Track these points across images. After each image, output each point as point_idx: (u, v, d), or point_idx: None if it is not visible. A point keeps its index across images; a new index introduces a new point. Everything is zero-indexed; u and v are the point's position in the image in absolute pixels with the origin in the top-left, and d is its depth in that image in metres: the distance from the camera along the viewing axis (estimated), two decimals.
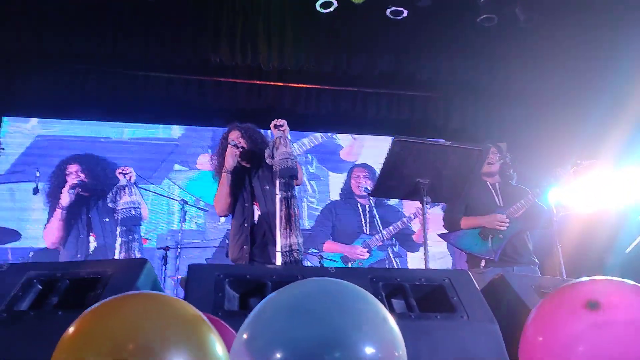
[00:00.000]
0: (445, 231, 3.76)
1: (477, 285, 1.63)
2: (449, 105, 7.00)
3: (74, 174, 5.13)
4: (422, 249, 5.81)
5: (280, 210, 3.16)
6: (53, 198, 5.00)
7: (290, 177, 3.28)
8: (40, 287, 1.60)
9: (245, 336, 0.94)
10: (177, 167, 6.31)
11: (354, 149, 6.83)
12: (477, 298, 1.57)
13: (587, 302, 1.04)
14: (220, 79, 6.53)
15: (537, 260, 3.71)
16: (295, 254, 3.12)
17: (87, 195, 5.11)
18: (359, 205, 6.11)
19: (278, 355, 0.90)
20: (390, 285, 1.61)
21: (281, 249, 3.14)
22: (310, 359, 0.89)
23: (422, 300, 1.55)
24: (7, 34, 5.64)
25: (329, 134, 6.82)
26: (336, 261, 5.49)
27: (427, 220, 2.86)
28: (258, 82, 6.61)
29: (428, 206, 2.93)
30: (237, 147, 3.27)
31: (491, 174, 3.85)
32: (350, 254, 5.75)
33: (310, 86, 6.75)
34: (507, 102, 6.92)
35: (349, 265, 5.49)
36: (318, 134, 6.67)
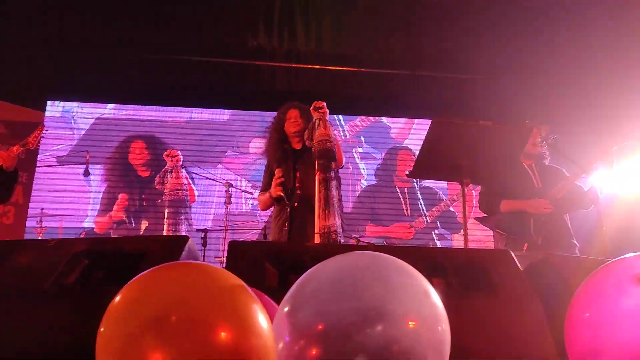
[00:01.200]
0: (482, 215, 3.68)
1: (519, 264, 1.59)
2: (491, 88, 6.83)
3: (138, 152, 5.25)
4: (469, 235, 5.77)
5: (319, 191, 3.16)
6: (111, 177, 5.15)
7: (328, 159, 3.27)
8: (86, 262, 1.65)
9: (287, 309, 0.95)
10: (229, 152, 6.39)
11: (401, 132, 6.76)
12: (520, 277, 1.53)
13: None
14: (259, 62, 6.55)
15: (577, 243, 3.61)
16: (333, 236, 3.12)
17: (147, 176, 5.25)
18: (397, 188, 6.07)
19: (320, 328, 0.90)
20: (431, 264, 1.58)
21: (319, 230, 3.15)
22: (352, 331, 0.89)
23: (463, 279, 1.52)
24: (53, 22, 5.81)
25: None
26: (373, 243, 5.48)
27: (466, 201, 2.81)
28: (296, 65, 6.61)
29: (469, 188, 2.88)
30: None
31: (530, 155, 3.74)
32: (394, 234, 5.72)
33: (349, 69, 6.69)
34: (549, 83, 6.69)
35: None
36: (370, 117, 6.62)
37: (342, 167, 3.33)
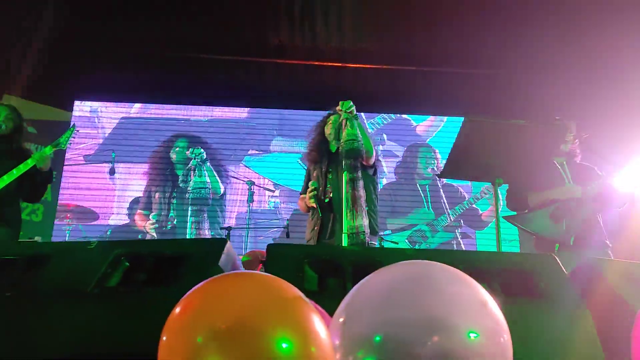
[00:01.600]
0: (511, 213, 3.62)
1: (564, 269, 1.55)
2: (514, 83, 6.73)
3: (178, 150, 5.33)
4: (489, 228, 5.70)
5: (347, 192, 3.16)
6: (153, 177, 5.23)
7: (355, 158, 3.26)
8: (127, 264, 1.66)
9: (342, 319, 0.94)
10: (252, 150, 6.42)
11: (423, 129, 6.71)
12: (566, 283, 1.50)
13: None
14: (280, 60, 6.54)
15: (610, 243, 3.53)
16: (361, 236, 3.11)
17: (181, 174, 5.34)
18: (418, 185, 6.02)
19: (377, 339, 0.89)
20: (472, 269, 1.56)
21: (347, 231, 3.15)
22: (410, 342, 0.87)
23: (506, 285, 1.49)
24: (77, 22, 5.88)
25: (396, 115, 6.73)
26: (397, 243, 5.45)
27: (498, 201, 2.77)
28: (316, 62, 6.59)
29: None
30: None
31: (561, 153, 3.67)
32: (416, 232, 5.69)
33: (369, 66, 6.65)
34: (577, 78, 6.57)
35: (416, 246, 5.45)
36: (392, 114, 6.59)
37: (373, 166, 3.31)
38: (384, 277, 0.99)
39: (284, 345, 0.78)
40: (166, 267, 1.64)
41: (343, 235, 3.23)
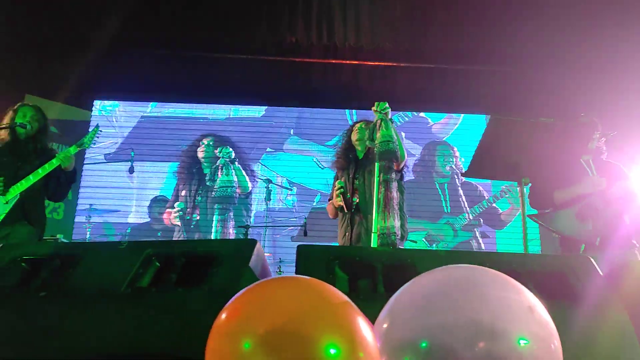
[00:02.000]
0: (534, 212, 3.56)
1: (600, 272, 1.53)
2: (532, 80, 6.65)
3: (203, 149, 5.39)
4: (508, 227, 5.64)
5: (379, 192, 3.14)
6: (181, 175, 5.28)
7: (389, 160, 3.24)
8: (158, 264, 1.67)
9: (386, 325, 0.93)
10: (269, 149, 6.43)
11: (440, 127, 6.66)
12: (602, 285, 1.47)
13: None
14: (296, 59, 6.54)
15: (637, 244, 3.47)
16: (392, 237, 3.09)
17: (208, 173, 5.41)
18: (437, 184, 5.98)
19: (423, 345, 0.88)
20: (506, 272, 1.54)
21: (378, 232, 3.13)
22: (457, 348, 0.86)
23: (542, 287, 1.47)
24: (94, 23, 5.92)
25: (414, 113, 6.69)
26: (415, 242, 5.42)
27: (525, 201, 2.74)
28: (333, 61, 6.57)
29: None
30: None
31: (588, 151, 3.60)
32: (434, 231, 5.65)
33: (386, 64, 6.62)
34: (599, 76, 6.48)
35: (434, 246, 5.42)
36: (409, 112, 6.55)
37: (403, 169, 3.30)
38: (428, 282, 0.97)
39: (332, 351, 0.77)
40: (197, 267, 1.64)
41: (373, 235, 3.22)
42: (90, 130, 3.60)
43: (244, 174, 5.91)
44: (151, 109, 6.54)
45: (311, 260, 1.60)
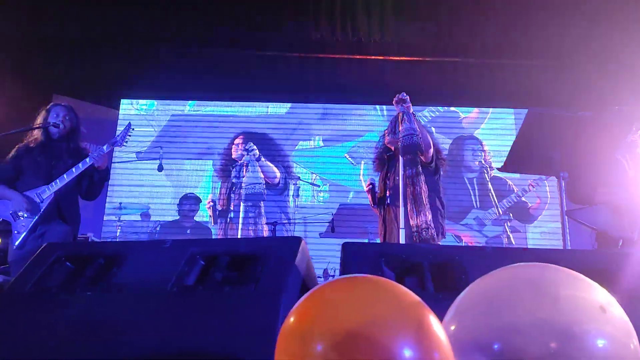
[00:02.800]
0: (574, 207, 3.50)
1: None
2: (560, 74, 6.53)
3: (239, 147, 5.44)
4: (538, 221, 5.54)
5: (407, 188, 3.12)
6: (222, 174, 5.36)
7: (414, 153, 3.21)
8: (202, 263, 1.67)
9: (454, 326, 0.91)
10: (301, 144, 6.43)
11: (469, 121, 6.58)
12: None
13: None
14: (321, 55, 6.51)
15: None
16: (423, 233, 3.05)
17: (233, 170, 5.46)
18: (465, 178, 5.91)
19: (495, 347, 0.85)
20: (576, 270, 1.50)
21: (410, 229, 3.10)
22: (532, 351, 0.83)
23: (613, 285, 1.43)
24: (122, 21, 5.98)
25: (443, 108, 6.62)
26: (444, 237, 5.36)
27: (563, 195, 2.68)
28: (358, 56, 6.54)
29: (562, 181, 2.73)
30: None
31: (623, 144, 3.52)
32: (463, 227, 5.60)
33: (411, 59, 6.55)
34: (629, 69, 6.32)
35: (463, 242, 5.36)
36: (436, 107, 6.48)
37: (432, 162, 3.25)
38: (495, 282, 0.95)
39: (407, 353, 0.75)
40: (241, 266, 1.64)
41: (400, 231, 3.19)
42: (122, 128, 3.63)
43: (273, 170, 5.92)
44: (183, 107, 6.59)
45: (357, 258, 1.59)
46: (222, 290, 1.54)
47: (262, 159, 5.41)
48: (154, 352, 1.45)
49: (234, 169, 5.32)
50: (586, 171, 3.02)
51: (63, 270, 1.70)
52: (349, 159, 6.18)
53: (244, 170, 5.06)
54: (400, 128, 3.12)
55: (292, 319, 0.81)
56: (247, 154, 4.99)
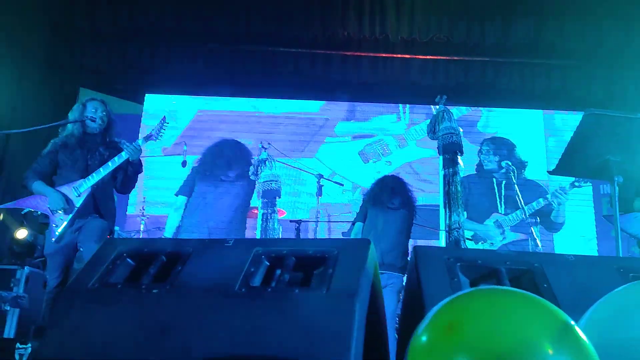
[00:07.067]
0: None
1: None
2: (592, 75, 6.42)
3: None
4: (565, 228, 5.44)
5: (443, 187, 3.06)
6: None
7: (454, 152, 3.15)
8: (267, 263, 1.62)
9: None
10: (322, 143, 6.38)
11: (494, 122, 6.50)
12: None
13: None
14: (347, 52, 6.46)
15: None
16: (455, 233, 3.00)
17: (251, 167, 5.51)
18: (494, 180, 5.82)
19: None
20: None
21: (443, 229, 3.06)
22: None
23: None
24: (148, 18, 5.96)
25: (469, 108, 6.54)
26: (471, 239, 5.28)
27: (616, 201, 2.60)
28: (384, 54, 6.47)
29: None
30: None
31: None
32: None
33: (439, 57, 6.47)
34: None
35: (480, 244, 5.28)
36: (463, 107, 6.40)
37: None
38: (627, 297, 0.89)
39: None
40: (308, 267, 1.59)
41: (439, 233, 3.13)
42: (157, 122, 3.60)
43: (287, 169, 5.88)
44: (208, 103, 6.56)
45: (431, 263, 1.53)
46: (293, 292, 1.49)
47: (279, 157, 5.41)
48: (227, 353, 1.40)
49: (252, 166, 5.34)
50: (635, 178, 2.94)
51: (125, 266, 1.66)
52: (365, 155, 6.15)
53: (262, 167, 5.04)
54: (439, 127, 3.05)
55: (434, 331, 0.75)
56: (265, 149, 4.99)
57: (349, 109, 6.58)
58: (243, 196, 6.01)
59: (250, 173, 5.33)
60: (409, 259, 2.60)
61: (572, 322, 0.75)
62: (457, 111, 6.39)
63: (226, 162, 6.09)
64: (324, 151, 6.36)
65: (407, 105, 6.61)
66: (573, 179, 4.92)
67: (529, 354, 0.68)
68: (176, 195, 5.97)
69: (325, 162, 6.23)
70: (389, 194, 3.20)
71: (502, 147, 6.13)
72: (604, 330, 0.87)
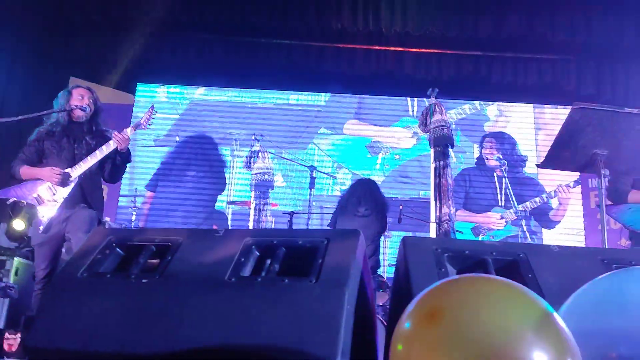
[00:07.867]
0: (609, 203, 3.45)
1: None
2: (583, 69, 6.45)
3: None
4: (559, 225, 5.50)
5: (433, 180, 3.09)
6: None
7: (445, 145, 3.17)
8: (257, 253, 1.63)
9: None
10: (319, 133, 6.36)
11: (492, 116, 6.51)
12: None
13: None
14: (340, 45, 6.44)
15: None
16: (445, 225, 3.03)
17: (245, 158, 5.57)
18: (495, 174, 5.85)
19: (613, 355, 0.82)
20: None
21: (433, 220, 3.08)
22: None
23: None
24: (140, 7, 5.90)
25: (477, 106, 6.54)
26: (462, 232, 5.32)
27: (604, 195, 2.63)
28: (378, 47, 6.47)
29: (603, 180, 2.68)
30: None
31: None
32: (485, 223, 5.55)
33: (432, 51, 6.48)
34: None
35: (480, 237, 5.31)
36: (466, 106, 6.41)
37: None
38: (607, 287, 0.90)
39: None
40: (298, 257, 1.60)
41: (430, 225, 3.15)
42: (145, 111, 3.58)
43: (278, 161, 5.87)
44: (200, 93, 6.53)
45: (420, 254, 1.54)
46: (282, 282, 1.50)
47: (272, 149, 5.40)
48: (217, 342, 1.41)
49: (246, 157, 5.35)
50: (627, 171, 2.97)
51: (114, 256, 1.66)
52: (368, 150, 6.15)
53: (255, 158, 5.05)
54: (431, 119, 3.07)
55: (418, 321, 0.76)
56: (258, 141, 4.98)
57: (341, 100, 6.57)
58: None
59: (243, 165, 5.34)
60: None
61: (553, 311, 0.76)
62: (460, 110, 6.39)
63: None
64: (317, 143, 6.36)
65: (408, 98, 6.60)
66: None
67: (508, 341, 0.70)
68: None
69: (317, 154, 6.24)
70: (356, 202, 3.34)
71: (499, 141, 6.16)
72: (584, 318, 0.89)
